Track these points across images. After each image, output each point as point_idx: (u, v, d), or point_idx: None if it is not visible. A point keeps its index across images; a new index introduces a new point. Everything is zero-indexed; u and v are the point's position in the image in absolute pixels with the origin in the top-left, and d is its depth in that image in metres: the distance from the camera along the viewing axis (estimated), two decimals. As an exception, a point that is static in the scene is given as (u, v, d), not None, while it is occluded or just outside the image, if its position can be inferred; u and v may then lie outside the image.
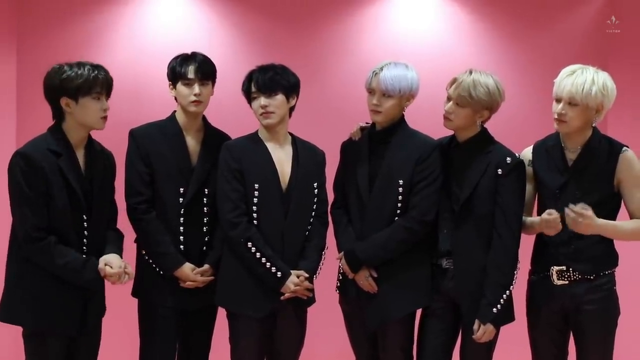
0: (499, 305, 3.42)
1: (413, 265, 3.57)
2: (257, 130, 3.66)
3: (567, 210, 3.28)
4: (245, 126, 3.72)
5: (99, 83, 3.31)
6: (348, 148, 3.73)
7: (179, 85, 3.64)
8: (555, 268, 3.46)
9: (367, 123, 3.72)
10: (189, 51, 3.71)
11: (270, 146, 3.62)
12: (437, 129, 3.62)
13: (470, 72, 3.47)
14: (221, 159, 3.59)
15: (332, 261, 3.70)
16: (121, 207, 3.63)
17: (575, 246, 3.43)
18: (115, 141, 3.70)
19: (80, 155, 3.37)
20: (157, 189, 3.63)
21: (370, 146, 3.63)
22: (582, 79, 3.36)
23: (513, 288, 3.47)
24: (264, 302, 3.53)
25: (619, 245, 3.53)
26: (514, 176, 3.46)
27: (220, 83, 3.78)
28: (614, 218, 3.46)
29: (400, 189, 3.55)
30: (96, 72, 3.32)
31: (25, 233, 3.23)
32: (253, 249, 3.50)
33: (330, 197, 3.77)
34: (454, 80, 3.50)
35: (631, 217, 3.45)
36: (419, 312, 3.66)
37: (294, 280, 3.53)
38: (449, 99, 3.51)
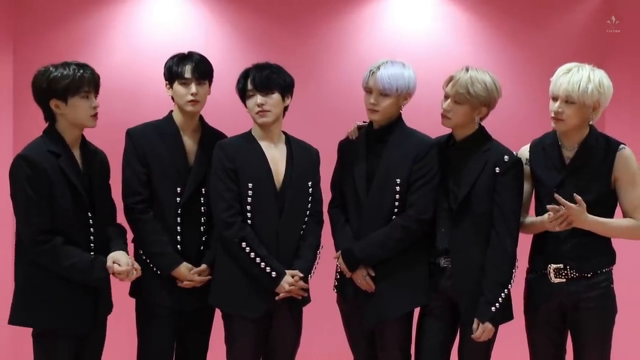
0: (497, 304, 3.41)
1: (411, 264, 3.56)
2: (251, 129, 3.66)
3: (549, 207, 3.31)
4: (242, 126, 3.71)
5: (85, 82, 3.32)
6: (345, 147, 3.73)
7: (176, 85, 3.64)
8: (553, 266, 3.46)
9: (364, 122, 3.71)
10: (185, 50, 3.71)
11: (265, 145, 3.61)
12: (435, 128, 3.62)
13: (467, 69, 3.47)
14: (215, 158, 3.58)
15: (329, 260, 3.70)
16: (118, 207, 3.62)
17: (572, 244, 3.43)
18: (111, 141, 3.70)
19: (76, 154, 3.38)
20: (154, 188, 3.62)
21: (368, 145, 3.62)
22: (578, 76, 3.36)
23: (511, 286, 3.47)
24: (258, 302, 3.52)
25: (617, 244, 3.53)
26: (511, 174, 3.46)
27: (216, 82, 3.77)
28: (611, 216, 3.47)
29: (398, 188, 3.54)
30: (82, 71, 3.32)
31: (30, 237, 3.25)
32: (247, 249, 3.49)
33: (327, 195, 3.76)
34: (451, 78, 3.49)
35: (624, 216, 3.45)
36: (417, 311, 3.65)
37: (289, 280, 3.52)
38: (446, 97, 3.51)
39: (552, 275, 3.46)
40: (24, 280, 3.31)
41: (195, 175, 3.64)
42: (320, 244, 3.68)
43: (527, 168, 3.54)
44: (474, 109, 3.48)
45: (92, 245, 3.36)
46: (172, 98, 3.69)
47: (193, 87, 3.61)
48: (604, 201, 3.44)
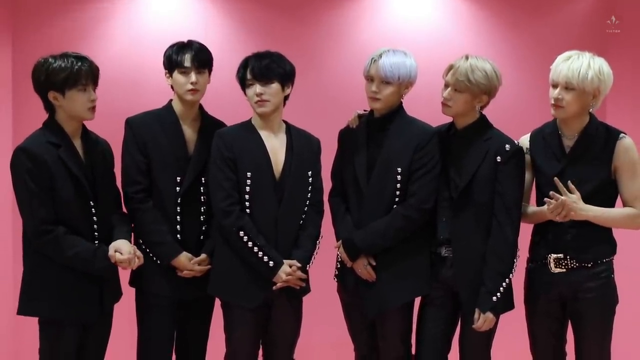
0: (498, 294, 3.41)
1: (412, 254, 3.56)
2: (251, 118, 3.64)
3: (545, 200, 3.31)
4: (242, 115, 3.70)
5: (83, 75, 3.31)
6: (346, 136, 3.72)
7: (176, 74, 3.63)
8: (553, 256, 3.46)
9: (365, 110, 3.70)
10: (185, 39, 3.69)
11: (264, 134, 3.59)
12: (436, 117, 3.61)
13: (467, 58, 3.46)
14: (214, 147, 3.57)
15: (329, 250, 3.69)
16: (122, 197, 3.64)
17: (572, 234, 3.42)
18: (111, 130, 3.69)
19: (77, 145, 3.39)
20: (153, 178, 3.62)
21: (369, 134, 3.61)
22: (578, 63, 3.35)
23: (513, 276, 3.46)
24: (256, 291, 3.52)
25: (619, 235, 3.52)
26: (513, 163, 3.45)
27: (216, 72, 3.76)
28: (611, 205, 3.46)
29: (399, 177, 3.53)
30: (80, 63, 3.32)
31: (33, 228, 3.26)
32: (245, 238, 3.48)
33: (328, 185, 3.75)
34: (451, 67, 3.49)
35: (624, 205, 3.44)
36: (417, 300, 3.65)
37: (286, 270, 3.51)
38: (446, 85, 3.50)
39: (552, 265, 3.46)
40: (31, 271, 3.33)
41: (195, 164, 3.63)
42: (320, 233, 3.67)
43: (527, 157, 3.53)
44: (475, 97, 3.46)
45: (95, 234, 3.38)
46: (172, 87, 3.68)
47: (193, 76, 3.60)
48: (605, 190, 3.43)
